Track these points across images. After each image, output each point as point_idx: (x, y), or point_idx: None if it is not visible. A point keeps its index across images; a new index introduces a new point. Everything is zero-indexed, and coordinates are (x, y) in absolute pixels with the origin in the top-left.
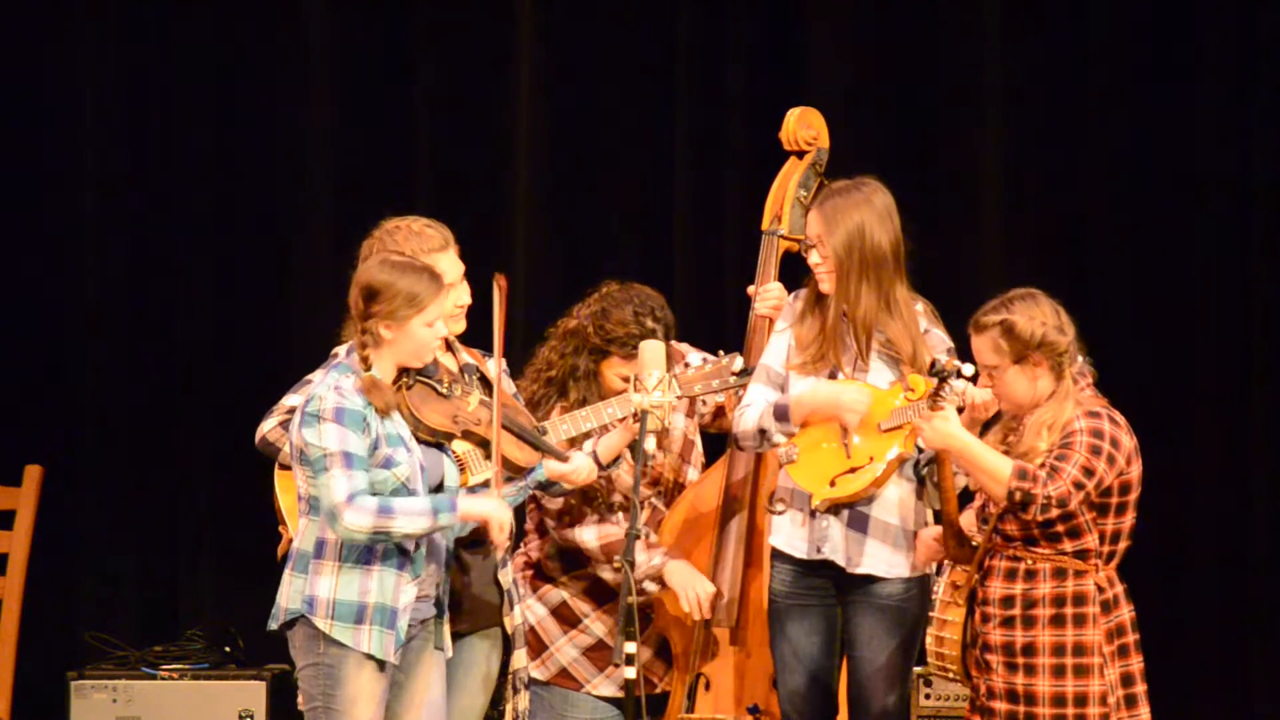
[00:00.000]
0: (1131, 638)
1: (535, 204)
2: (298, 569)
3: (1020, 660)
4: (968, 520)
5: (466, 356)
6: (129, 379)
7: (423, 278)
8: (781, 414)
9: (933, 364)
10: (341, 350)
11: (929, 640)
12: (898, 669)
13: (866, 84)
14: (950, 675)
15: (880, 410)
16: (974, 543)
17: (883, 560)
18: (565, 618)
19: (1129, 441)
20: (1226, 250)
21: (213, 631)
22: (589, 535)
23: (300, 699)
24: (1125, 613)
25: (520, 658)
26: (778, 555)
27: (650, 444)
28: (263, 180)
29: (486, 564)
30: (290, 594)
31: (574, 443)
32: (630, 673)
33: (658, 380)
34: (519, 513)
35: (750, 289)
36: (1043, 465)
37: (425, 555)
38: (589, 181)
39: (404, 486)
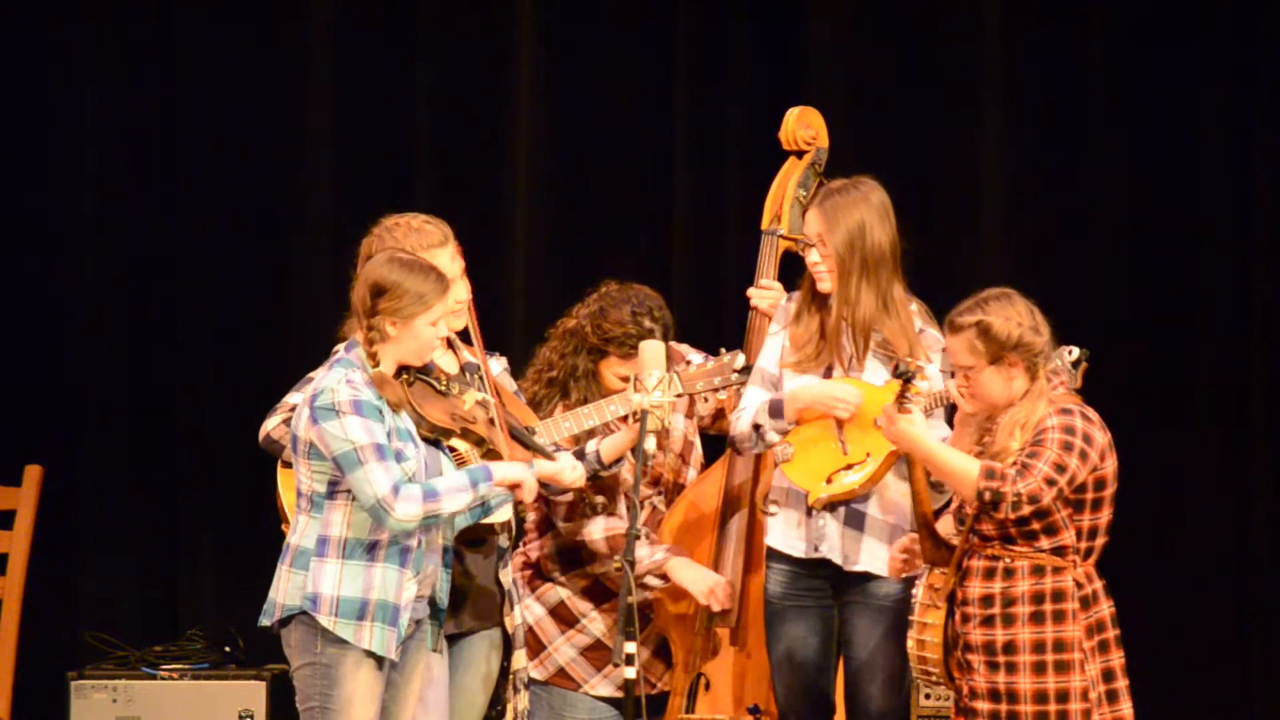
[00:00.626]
0: (1112, 633)
1: (535, 204)
2: (296, 565)
3: (1001, 659)
4: (945, 523)
5: (468, 355)
6: (129, 379)
7: (430, 277)
8: (776, 410)
9: (896, 365)
10: (342, 348)
11: (910, 644)
12: (895, 669)
13: (866, 84)
14: (933, 679)
15: (876, 408)
16: (952, 544)
17: (880, 558)
18: (563, 617)
19: (1102, 437)
20: (1226, 250)
21: (213, 631)
22: (596, 529)
23: (297, 698)
24: (1105, 608)
25: (521, 658)
26: (774, 555)
27: (650, 444)
28: (263, 180)
29: (487, 563)
30: (289, 590)
31: (576, 440)
32: (630, 673)
33: (658, 380)
34: (518, 513)
35: (750, 289)
36: (1014, 463)
37: (425, 552)
38: (589, 181)
39: (412, 480)
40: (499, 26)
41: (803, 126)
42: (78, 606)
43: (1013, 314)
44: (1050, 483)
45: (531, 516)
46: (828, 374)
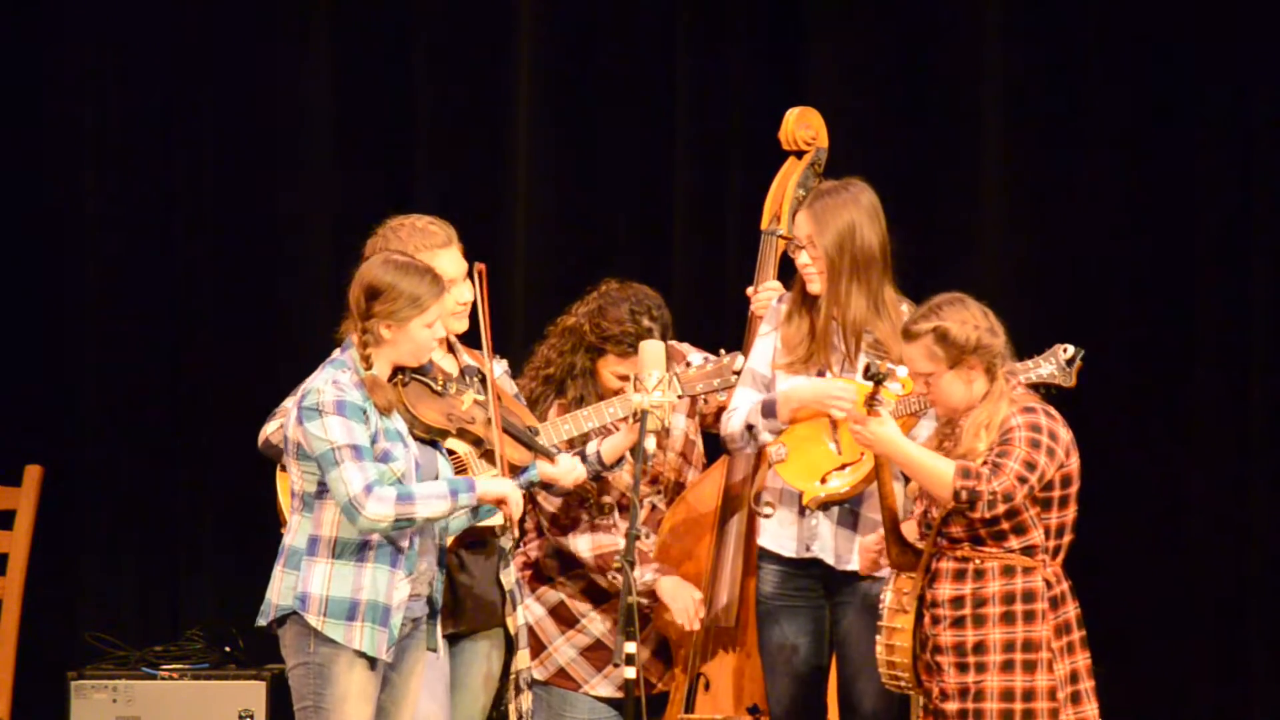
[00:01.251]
0: (1078, 634)
1: (535, 203)
2: (289, 565)
3: (971, 659)
4: (910, 530)
5: (468, 358)
6: (129, 379)
7: (425, 279)
8: (769, 410)
9: (867, 367)
10: (339, 350)
11: (879, 650)
12: None
13: (866, 84)
14: (901, 684)
15: None
16: (918, 548)
17: None
18: (563, 618)
19: (1066, 434)
20: (1227, 250)
21: (213, 631)
22: (582, 545)
23: (293, 698)
24: (1072, 609)
25: (523, 658)
26: (766, 555)
27: (650, 444)
28: (263, 180)
29: (488, 564)
30: (282, 590)
31: (574, 443)
32: (630, 673)
33: (658, 380)
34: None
35: (750, 289)
36: (985, 463)
37: (418, 553)
38: (589, 181)
39: (399, 482)
40: (500, 27)
41: (802, 127)
42: (78, 606)
43: (968, 317)
44: (1022, 480)
45: (531, 518)
46: (820, 375)
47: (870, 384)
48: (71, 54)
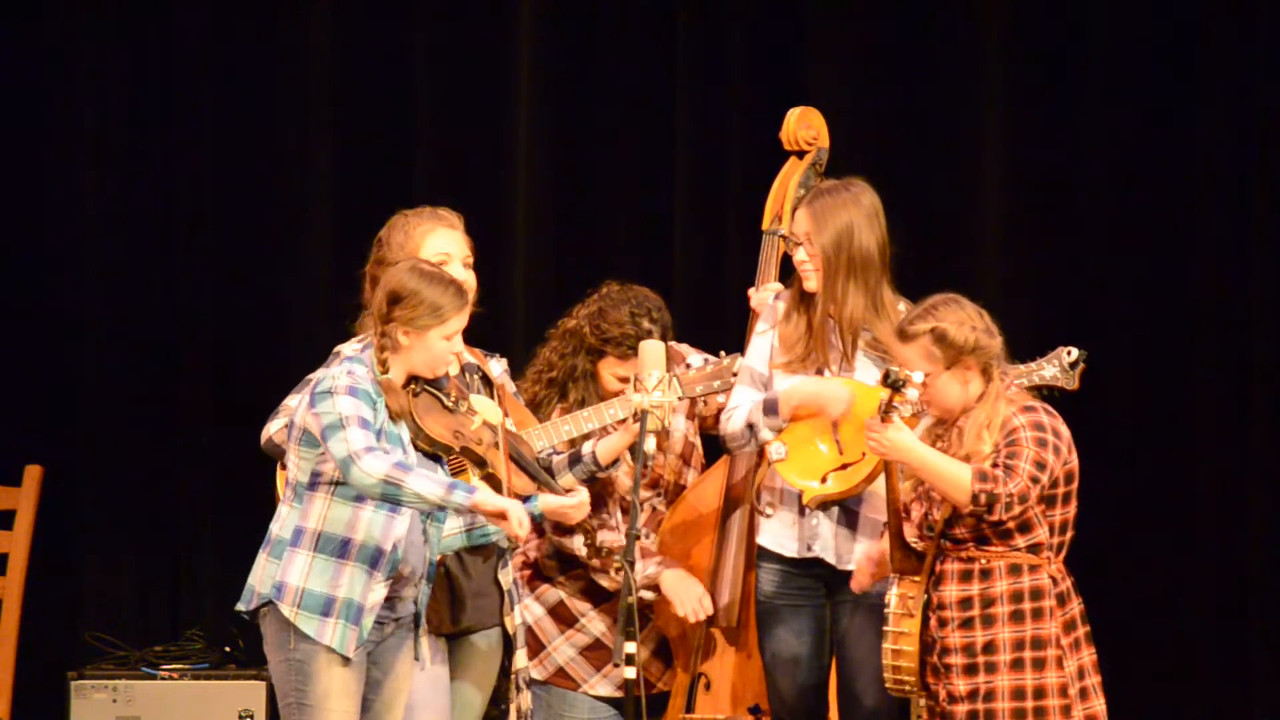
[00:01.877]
0: (1082, 630)
1: (535, 203)
2: (273, 554)
3: (981, 659)
4: (908, 533)
5: (468, 356)
6: (129, 379)
7: (449, 290)
8: (770, 408)
9: (886, 374)
10: (344, 347)
11: (884, 656)
12: None
13: (867, 84)
14: (907, 688)
15: (869, 406)
16: (921, 552)
17: None
18: (562, 617)
19: (1066, 431)
20: (1227, 250)
21: (213, 631)
22: (582, 542)
23: (277, 694)
24: (1075, 606)
25: (522, 657)
26: (766, 555)
27: (650, 444)
28: (263, 182)
29: (486, 564)
30: (263, 578)
31: (574, 443)
32: (630, 673)
33: (658, 380)
34: None
35: (751, 290)
36: (995, 465)
37: (403, 560)
38: (589, 181)
39: None
40: (500, 27)
41: (804, 126)
42: (78, 606)
43: (965, 318)
44: (1035, 480)
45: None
46: (819, 374)
47: (888, 390)
48: (72, 54)
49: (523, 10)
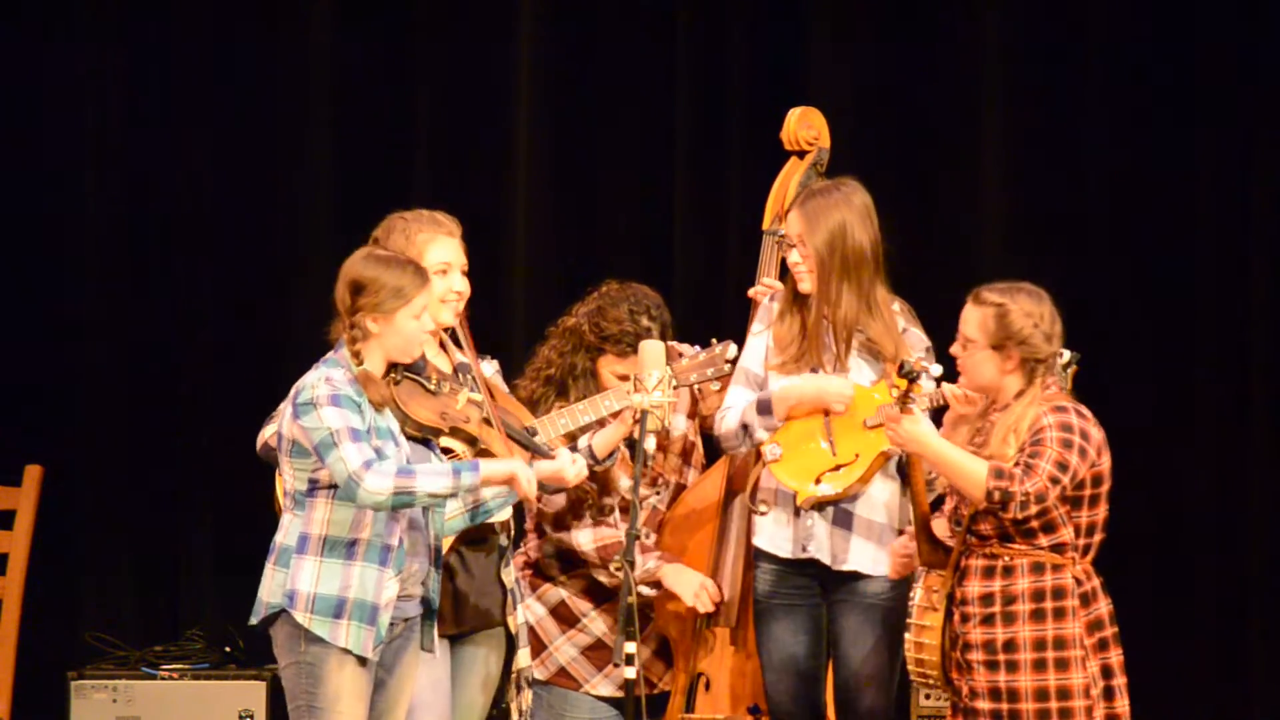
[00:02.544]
0: (1110, 631)
1: (535, 204)
2: (279, 563)
3: (1001, 657)
4: (940, 528)
5: (461, 356)
6: (129, 379)
7: (407, 270)
8: (764, 408)
9: (901, 365)
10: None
11: (908, 648)
12: (884, 667)
13: (867, 84)
14: (930, 681)
15: (864, 407)
16: (949, 546)
17: (867, 557)
18: (564, 617)
19: (1098, 434)
20: (1227, 250)
21: (213, 631)
22: (584, 538)
23: (286, 697)
24: (1103, 606)
25: (524, 657)
26: (761, 555)
27: (650, 444)
28: (264, 186)
29: (488, 563)
30: (272, 588)
31: (571, 437)
32: (630, 673)
33: (658, 380)
34: (518, 512)
35: (751, 290)
36: (1017, 463)
37: (408, 551)
38: (589, 181)
39: None
40: (500, 26)
41: (804, 127)
42: (78, 606)
43: (1032, 311)
44: (1055, 481)
45: (531, 518)
46: (813, 374)
47: (904, 381)
48: (72, 54)
49: (523, 10)
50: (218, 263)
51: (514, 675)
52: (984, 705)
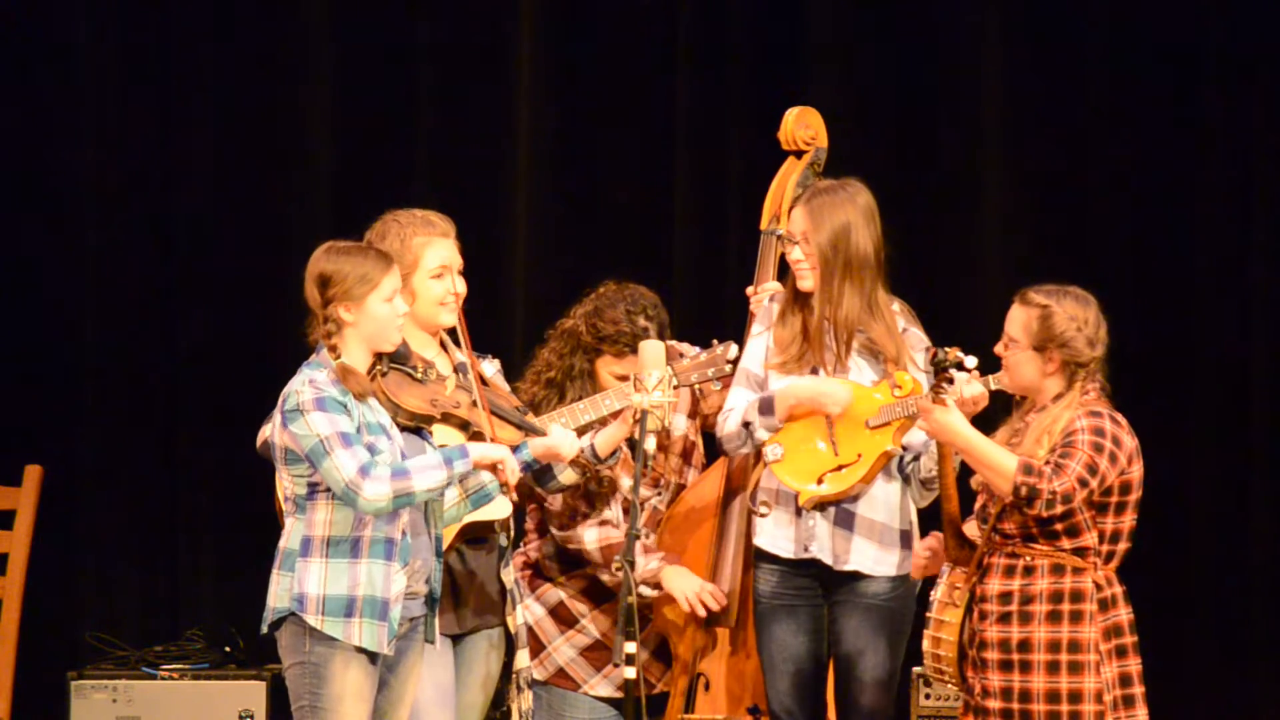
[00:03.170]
0: (1130, 639)
1: (535, 204)
2: (284, 568)
3: (1015, 657)
4: (971, 529)
5: (460, 355)
6: (129, 379)
7: (369, 256)
8: (766, 408)
9: (934, 355)
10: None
11: (925, 642)
12: (885, 668)
13: (866, 84)
14: (945, 678)
15: (865, 407)
16: (976, 544)
17: (869, 557)
18: (563, 618)
19: (1130, 441)
20: (1227, 252)
21: (213, 631)
22: (590, 537)
23: (290, 698)
24: (1124, 613)
25: (524, 657)
26: (762, 556)
27: (650, 444)
28: (264, 185)
29: (488, 562)
30: (279, 593)
31: None
32: (630, 673)
33: (658, 380)
34: (519, 512)
35: (749, 289)
36: (1047, 462)
37: (412, 543)
38: (589, 181)
39: None
40: (500, 25)
41: (802, 126)
42: (78, 606)
43: (1077, 314)
44: (1083, 483)
45: (532, 517)
46: (813, 375)
47: (935, 371)
48: (72, 54)
49: (523, 8)
50: (218, 264)
51: (514, 676)
52: (995, 704)
